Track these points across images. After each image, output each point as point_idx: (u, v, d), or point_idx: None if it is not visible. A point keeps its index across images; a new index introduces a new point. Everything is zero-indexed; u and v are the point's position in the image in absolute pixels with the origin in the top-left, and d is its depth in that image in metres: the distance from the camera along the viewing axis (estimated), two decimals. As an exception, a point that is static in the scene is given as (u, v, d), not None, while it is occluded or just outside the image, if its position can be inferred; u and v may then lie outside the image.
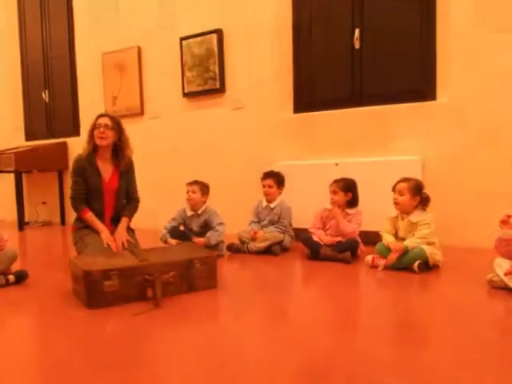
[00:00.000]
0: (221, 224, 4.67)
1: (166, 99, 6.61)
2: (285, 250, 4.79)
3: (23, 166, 7.21)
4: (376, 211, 4.40)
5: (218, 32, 5.98)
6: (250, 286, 3.62)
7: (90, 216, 4.20)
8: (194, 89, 6.27)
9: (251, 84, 5.85)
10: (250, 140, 5.89)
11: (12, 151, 7.31)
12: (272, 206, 4.92)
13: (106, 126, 4.14)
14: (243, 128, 5.93)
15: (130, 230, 4.42)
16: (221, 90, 6.06)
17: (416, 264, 3.73)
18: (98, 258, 3.43)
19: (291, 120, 5.68)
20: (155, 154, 6.71)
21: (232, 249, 4.81)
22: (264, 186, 4.94)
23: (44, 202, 8.18)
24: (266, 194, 4.94)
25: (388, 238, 3.98)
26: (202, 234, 4.69)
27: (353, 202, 4.51)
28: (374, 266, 3.96)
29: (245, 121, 5.93)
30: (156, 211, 6.26)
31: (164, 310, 3.00)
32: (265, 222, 4.94)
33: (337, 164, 5.08)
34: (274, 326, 2.67)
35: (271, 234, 4.74)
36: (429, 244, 3.82)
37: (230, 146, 6.07)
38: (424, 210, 3.98)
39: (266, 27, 5.70)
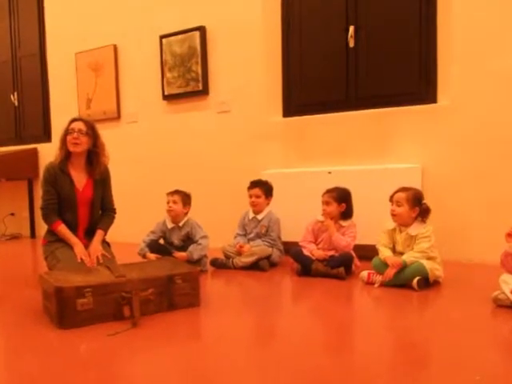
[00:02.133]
0: (204, 237, 4.68)
1: (145, 102, 6.62)
2: (273, 265, 4.80)
3: (-11, 174, 7.19)
4: (372, 223, 4.42)
5: (201, 29, 6.00)
6: (236, 303, 3.63)
7: (62, 228, 4.20)
8: (174, 91, 6.28)
9: (237, 86, 5.87)
10: (235, 146, 5.90)
11: (-23, 158, 7.28)
12: (259, 217, 4.92)
13: (79, 131, 4.14)
14: (228, 133, 5.94)
15: (105, 244, 4.42)
16: (204, 92, 6.07)
17: (415, 280, 3.73)
18: (71, 273, 3.42)
19: (280, 124, 5.70)
20: (133, 162, 6.71)
21: (216, 264, 4.82)
22: (251, 196, 4.94)
23: (12, 214, 8.14)
24: (252, 205, 4.95)
25: (385, 253, 3.98)
26: (183, 247, 4.69)
27: (347, 214, 4.52)
28: (369, 283, 3.97)
29: (230, 125, 5.94)
30: (134, 223, 6.25)
31: (142, 329, 2.99)
32: (252, 235, 4.94)
33: (330, 172, 5.10)
34: (261, 347, 2.68)
35: (258, 248, 4.74)
36: (429, 259, 3.84)
37: (213, 153, 6.08)
38: (424, 221, 4.00)
39: (253, 24, 5.73)
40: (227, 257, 4.85)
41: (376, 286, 3.88)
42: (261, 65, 5.73)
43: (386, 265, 3.89)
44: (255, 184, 4.97)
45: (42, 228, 4.97)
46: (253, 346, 2.71)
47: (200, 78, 6.05)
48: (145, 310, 3.20)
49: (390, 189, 4.12)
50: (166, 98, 6.38)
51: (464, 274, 4.30)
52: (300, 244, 4.59)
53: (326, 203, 4.48)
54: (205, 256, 4.71)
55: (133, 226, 6.21)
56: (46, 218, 4.25)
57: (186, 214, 4.82)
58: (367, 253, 4.44)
